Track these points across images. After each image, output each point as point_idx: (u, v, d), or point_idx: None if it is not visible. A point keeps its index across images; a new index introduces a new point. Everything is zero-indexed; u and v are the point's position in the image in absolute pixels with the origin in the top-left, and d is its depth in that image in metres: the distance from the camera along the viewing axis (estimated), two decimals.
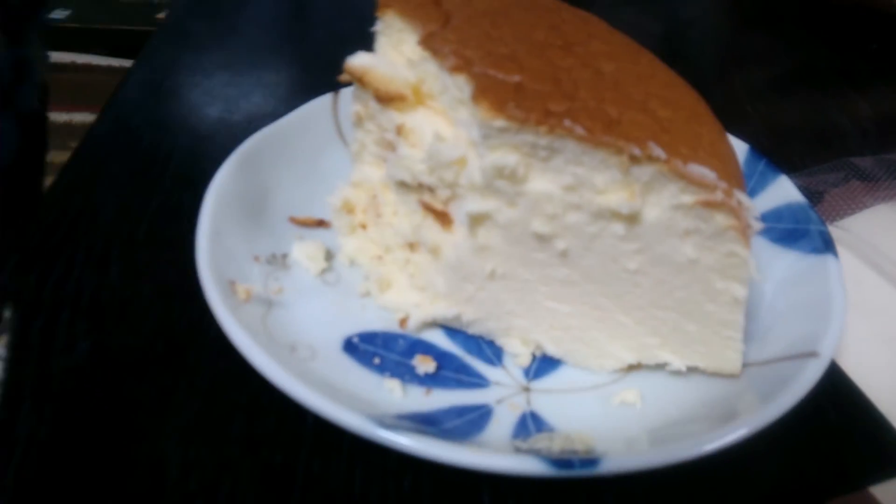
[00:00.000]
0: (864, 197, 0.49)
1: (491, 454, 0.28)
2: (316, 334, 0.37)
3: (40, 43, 0.73)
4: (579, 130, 0.30)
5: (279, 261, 0.40)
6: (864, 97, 0.65)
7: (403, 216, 0.40)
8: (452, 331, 0.39)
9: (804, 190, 0.44)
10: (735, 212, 0.31)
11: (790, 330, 0.36)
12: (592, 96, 0.31)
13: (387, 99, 0.37)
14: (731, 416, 0.31)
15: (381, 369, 0.36)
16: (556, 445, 0.31)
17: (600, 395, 0.36)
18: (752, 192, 0.43)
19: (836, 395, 0.37)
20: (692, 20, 0.81)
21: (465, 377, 0.37)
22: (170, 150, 0.53)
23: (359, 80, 0.38)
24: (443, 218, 0.37)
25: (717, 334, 0.35)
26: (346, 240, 0.43)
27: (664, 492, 0.33)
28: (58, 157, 0.83)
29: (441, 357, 0.38)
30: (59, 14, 1.82)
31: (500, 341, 0.39)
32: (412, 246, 0.40)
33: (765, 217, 0.41)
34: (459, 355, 0.38)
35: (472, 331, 0.39)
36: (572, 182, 0.32)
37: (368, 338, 0.38)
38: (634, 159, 0.30)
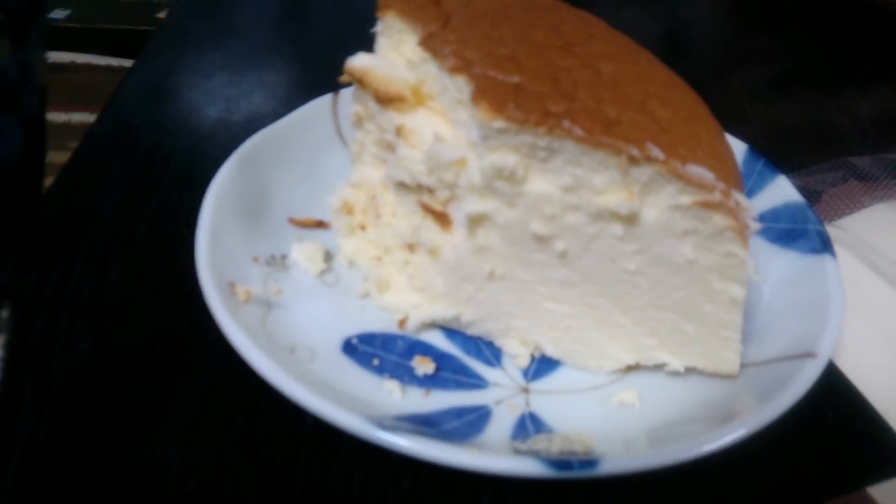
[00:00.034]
0: (862, 197, 0.49)
1: (490, 455, 0.28)
2: (315, 335, 0.37)
3: (40, 45, 0.73)
4: (578, 131, 0.30)
5: (278, 262, 0.40)
6: (863, 96, 0.65)
7: (403, 217, 0.40)
8: (451, 332, 0.39)
9: (802, 190, 0.44)
10: (733, 212, 0.31)
11: (788, 330, 0.36)
12: (591, 97, 0.32)
13: (386, 100, 0.37)
14: (729, 417, 0.31)
15: (380, 370, 0.36)
16: (554, 446, 0.32)
17: (599, 396, 0.36)
18: (750, 192, 0.43)
19: (834, 395, 0.38)
20: (691, 20, 0.81)
21: (464, 378, 0.37)
22: (170, 150, 0.53)
23: (359, 81, 0.38)
24: (442, 219, 0.37)
25: (715, 335, 0.35)
26: (346, 241, 0.43)
27: (663, 492, 0.33)
28: (57, 157, 0.83)
29: (440, 358, 0.38)
30: (58, 14, 1.82)
31: (499, 342, 0.39)
32: (411, 247, 0.40)
33: (763, 217, 0.42)
34: (458, 356, 0.38)
35: (471, 332, 0.39)
36: (571, 183, 0.32)
37: (367, 339, 0.38)
38: (633, 160, 0.30)
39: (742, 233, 0.31)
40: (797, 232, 0.40)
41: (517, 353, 0.38)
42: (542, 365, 0.38)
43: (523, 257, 0.35)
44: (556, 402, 0.36)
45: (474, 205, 0.34)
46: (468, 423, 0.33)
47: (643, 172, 0.31)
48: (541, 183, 0.33)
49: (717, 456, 0.28)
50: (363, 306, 0.40)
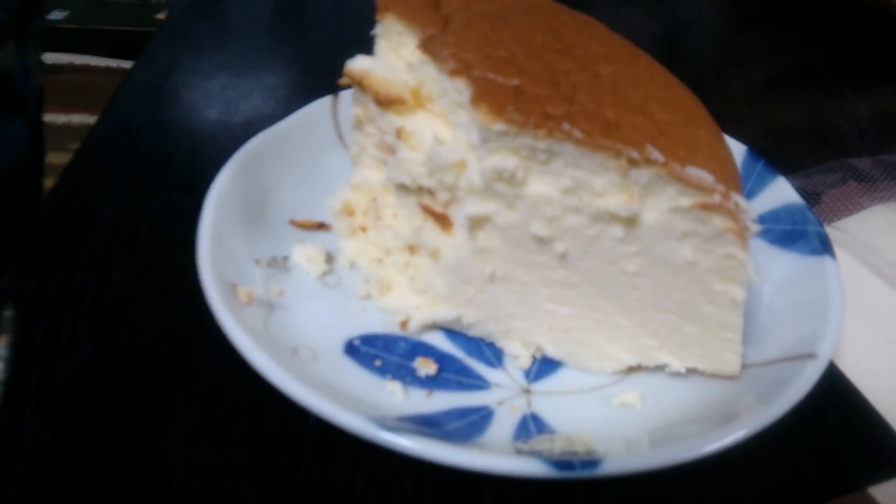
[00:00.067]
0: (861, 198, 0.49)
1: (492, 456, 0.29)
2: (317, 337, 0.37)
3: (36, 47, 0.73)
4: (578, 134, 0.30)
5: (280, 263, 0.41)
6: (862, 97, 0.65)
7: (403, 219, 0.40)
8: (453, 333, 0.40)
9: (802, 191, 0.44)
10: (733, 214, 0.31)
11: (788, 331, 0.36)
12: (591, 99, 0.32)
13: (386, 102, 0.37)
14: (730, 418, 0.31)
15: (383, 371, 0.36)
16: (556, 447, 0.32)
17: (600, 397, 0.37)
18: (750, 194, 0.43)
19: (834, 395, 0.38)
20: (690, 21, 0.81)
21: (465, 379, 0.37)
22: (170, 152, 0.53)
23: (358, 84, 0.38)
24: (442, 220, 0.37)
25: (715, 336, 0.35)
26: (347, 242, 0.43)
27: (664, 493, 0.33)
28: (56, 158, 0.83)
29: (442, 359, 0.38)
30: (57, 15, 1.82)
31: (501, 343, 0.39)
32: (412, 248, 0.40)
33: (763, 218, 0.42)
34: (460, 357, 0.38)
35: (472, 333, 0.39)
36: (571, 185, 0.32)
37: (369, 340, 0.38)
38: (633, 162, 0.31)
39: (742, 234, 0.31)
40: (797, 233, 0.40)
41: (518, 355, 0.38)
42: (544, 366, 0.38)
43: (524, 259, 0.36)
44: (557, 402, 0.36)
45: (475, 207, 0.34)
46: (470, 424, 0.34)
47: (643, 175, 0.31)
48: (541, 185, 0.33)
49: (719, 456, 0.29)
50: (365, 308, 0.40)
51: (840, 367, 0.39)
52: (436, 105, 0.36)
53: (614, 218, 0.33)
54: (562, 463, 0.28)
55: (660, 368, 0.37)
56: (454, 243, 0.37)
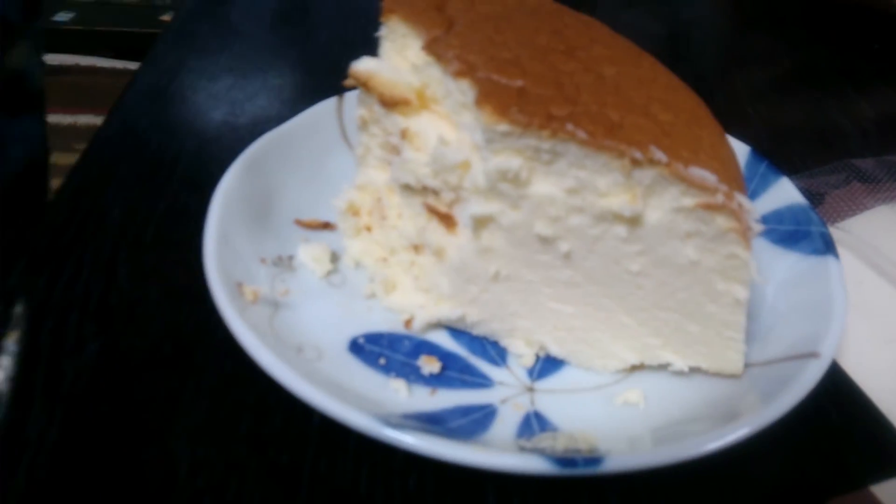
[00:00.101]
0: (864, 198, 0.49)
1: (495, 453, 0.29)
2: (322, 335, 0.37)
3: (38, 47, 0.74)
4: (581, 134, 0.31)
5: (285, 263, 0.41)
6: (865, 98, 0.66)
7: (408, 219, 0.40)
8: (457, 332, 0.40)
9: (805, 192, 0.45)
10: (736, 214, 0.31)
11: (791, 330, 0.36)
12: (594, 100, 0.32)
13: (391, 103, 0.37)
14: (732, 416, 0.31)
15: (387, 370, 0.37)
16: (559, 444, 0.32)
17: (603, 395, 0.37)
18: (753, 194, 0.43)
19: (837, 395, 0.38)
20: (693, 22, 0.81)
21: (469, 377, 0.37)
22: (176, 153, 0.53)
23: (363, 85, 0.38)
24: (447, 220, 0.37)
25: (718, 335, 0.35)
26: (352, 242, 0.43)
27: (667, 491, 0.34)
28: (62, 159, 0.83)
29: (446, 358, 0.38)
30: (62, 16, 1.83)
31: (504, 342, 0.39)
32: (417, 248, 0.40)
33: (766, 219, 0.42)
34: (464, 356, 0.38)
35: (476, 332, 0.39)
36: (575, 185, 0.32)
37: (374, 339, 0.38)
38: (636, 163, 0.31)
39: (745, 234, 0.32)
40: (800, 233, 0.40)
41: (522, 353, 0.38)
42: (547, 364, 0.39)
43: (528, 258, 0.36)
44: (560, 401, 0.36)
45: (479, 207, 0.35)
46: (474, 422, 0.34)
47: (646, 175, 0.31)
48: (545, 185, 0.33)
49: (721, 455, 0.29)
50: (369, 307, 0.40)
51: (843, 367, 0.39)
52: (440, 106, 0.37)
53: (618, 218, 0.33)
54: (565, 460, 0.28)
55: (663, 367, 0.37)
56: (458, 243, 0.37)
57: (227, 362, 0.37)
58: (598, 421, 0.34)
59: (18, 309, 0.40)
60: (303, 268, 0.41)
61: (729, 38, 0.80)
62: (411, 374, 0.37)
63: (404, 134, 0.37)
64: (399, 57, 0.38)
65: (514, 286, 0.37)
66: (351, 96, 0.47)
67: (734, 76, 0.69)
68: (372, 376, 0.36)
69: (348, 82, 0.39)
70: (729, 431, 0.29)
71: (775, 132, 0.60)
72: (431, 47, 0.35)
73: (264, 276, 0.39)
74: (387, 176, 0.41)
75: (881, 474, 0.32)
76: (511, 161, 0.32)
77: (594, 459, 0.28)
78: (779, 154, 0.51)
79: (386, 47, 0.39)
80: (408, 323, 0.39)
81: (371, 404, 0.32)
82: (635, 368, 0.38)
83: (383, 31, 0.38)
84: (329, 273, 0.42)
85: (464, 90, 0.34)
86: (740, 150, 0.44)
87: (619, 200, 0.32)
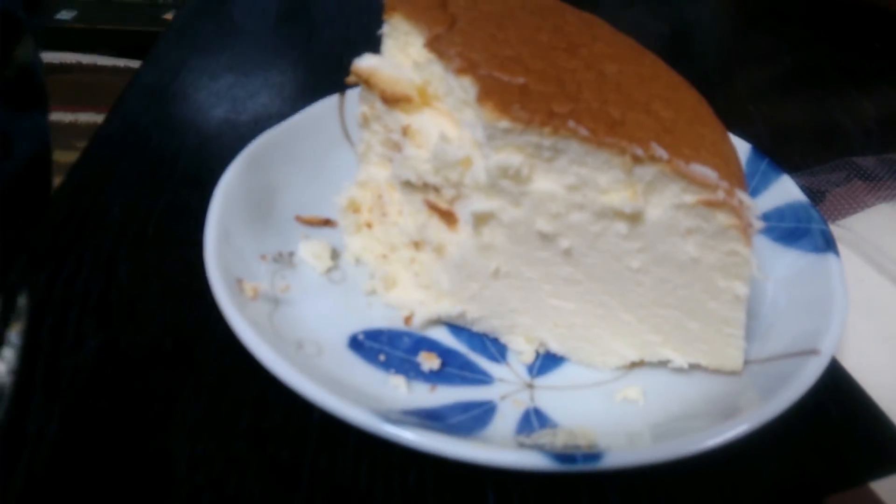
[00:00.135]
0: (865, 196, 0.49)
1: (495, 449, 0.29)
2: (322, 331, 0.37)
3: (36, 45, 0.74)
4: (583, 131, 0.31)
5: (286, 259, 0.41)
6: (866, 97, 0.66)
7: (409, 215, 0.40)
8: (457, 328, 0.40)
9: (806, 189, 0.45)
10: (736, 211, 0.31)
11: (791, 328, 0.36)
12: (596, 98, 0.32)
13: (393, 100, 0.37)
14: (732, 413, 0.31)
15: (387, 366, 0.37)
16: (559, 441, 0.32)
17: (603, 392, 0.37)
18: (754, 192, 0.43)
19: (836, 392, 0.38)
20: (695, 21, 0.81)
21: (469, 374, 0.37)
22: (177, 150, 0.53)
23: (365, 82, 0.38)
24: (448, 217, 0.37)
25: (718, 332, 0.35)
26: (352, 239, 0.43)
27: (666, 487, 0.34)
28: (63, 156, 0.83)
29: (446, 354, 0.38)
30: (65, 15, 1.83)
31: (504, 339, 0.39)
32: (417, 245, 0.40)
33: (767, 216, 0.42)
34: (464, 352, 0.39)
35: (476, 328, 0.39)
36: (576, 182, 0.32)
37: (374, 335, 0.38)
38: (637, 159, 0.31)
39: (745, 231, 0.32)
40: (801, 231, 0.40)
41: (522, 350, 0.39)
42: (547, 361, 0.39)
43: (528, 255, 0.36)
44: (560, 397, 0.36)
45: (480, 203, 0.35)
46: (473, 418, 0.34)
47: (647, 172, 0.31)
48: (546, 182, 0.33)
49: (721, 451, 0.29)
50: (369, 303, 0.40)
51: (842, 364, 0.39)
52: (442, 103, 0.37)
53: (618, 215, 0.33)
54: (564, 456, 0.28)
55: (662, 364, 0.37)
56: (459, 240, 0.37)
57: (227, 358, 0.38)
58: (598, 417, 0.34)
59: (19, 305, 0.40)
60: (303, 264, 0.41)
61: (731, 37, 0.80)
62: (411, 370, 0.37)
63: (406, 131, 0.37)
64: (401, 54, 0.38)
65: (514, 283, 0.37)
66: (353, 93, 0.47)
67: (736, 74, 0.69)
68: (372, 372, 0.36)
69: (350, 79, 0.39)
70: (728, 428, 0.29)
71: (777, 130, 0.60)
72: (433, 44, 0.35)
73: (264, 273, 0.39)
74: (388, 173, 0.41)
75: (880, 471, 0.32)
76: (512, 158, 0.32)
77: (593, 456, 0.28)
78: (780, 152, 0.51)
79: (388, 44, 0.39)
80: (408, 319, 0.39)
81: (371, 400, 0.32)
82: (635, 365, 0.38)
83: (385, 29, 0.39)
84: (329, 270, 0.42)
85: (465, 87, 0.34)
86: (741, 147, 0.44)
87: (620, 197, 0.32)
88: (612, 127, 0.31)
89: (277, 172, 0.44)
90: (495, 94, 0.32)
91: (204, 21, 0.73)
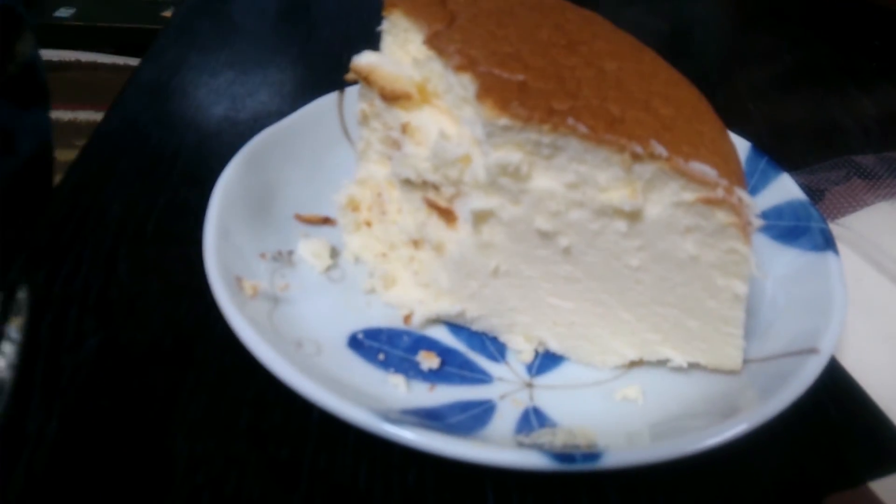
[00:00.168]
0: (865, 195, 0.49)
1: (494, 448, 0.29)
2: (321, 330, 0.37)
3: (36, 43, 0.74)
4: (582, 129, 0.31)
5: (285, 258, 0.41)
6: (866, 95, 0.66)
7: (408, 213, 0.40)
8: (456, 327, 0.40)
9: (805, 188, 0.45)
10: (736, 209, 0.31)
11: (791, 326, 0.36)
12: (595, 95, 0.32)
13: (392, 97, 0.37)
14: (731, 412, 0.31)
15: (386, 365, 0.37)
16: (558, 440, 0.32)
17: (602, 391, 0.37)
18: (753, 190, 0.43)
19: (835, 391, 0.38)
20: (695, 19, 0.81)
21: (468, 373, 0.37)
22: (177, 148, 0.53)
23: (364, 79, 0.38)
24: (447, 215, 0.37)
25: (717, 331, 0.35)
26: (351, 237, 0.43)
27: (665, 487, 0.34)
28: (63, 154, 0.83)
29: (445, 353, 0.38)
30: (63, 12, 1.83)
31: (504, 338, 0.39)
32: (416, 243, 0.40)
33: (766, 214, 0.42)
34: (463, 351, 0.38)
35: (475, 327, 0.39)
36: (575, 180, 0.32)
37: (373, 334, 0.38)
38: (636, 157, 0.31)
39: (745, 229, 0.32)
40: (800, 229, 0.40)
41: (521, 349, 0.38)
42: (546, 360, 0.39)
43: (527, 253, 0.36)
44: (559, 396, 0.36)
45: (479, 201, 0.35)
46: (473, 417, 0.34)
47: (646, 169, 0.31)
48: (545, 180, 0.33)
49: (720, 450, 0.29)
50: (369, 302, 0.40)
51: (842, 363, 0.39)
52: (441, 100, 0.37)
53: (618, 213, 0.33)
54: (563, 456, 0.28)
55: (661, 363, 0.37)
56: (458, 238, 0.37)
57: (226, 357, 0.38)
58: (597, 417, 0.34)
59: (19, 302, 0.40)
60: (302, 263, 0.41)
61: (730, 35, 0.80)
62: (410, 369, 0.37)
63: (405, 128, 0.37)
64: (400, 51, 0.38)
65: (513, 281, 0.37)
66: (352, 91, 0.47)
67: (735, 73, 0.69)
68: (371, 372, 0.36)
69: (349, 76, 0.39)
70: (728, 427, 0.29)
71: (776, 129, 0.60)
72: (433, 42, 0.35)
73: (264, 271, 0.39)
74: (387, 171, 0.41)
75: (880, 470, 0.32)
76: (511, 155, 0.32)
77: (593, 455, 0.28)
78: (779, 150, 0.51)
79: (387, 42, 0.39)
80: (407, 318, 0.39)
81: (370, 399, 0.32)
82: (634, 364, 0.38)
83: (385, 26, 0.38)
84: (329, 268, 0.42)
85: (465, 84, 0.33)
86: (741, 145, 0.44)
87: (620, 195, 0.32)
88: (611, 124, 0.31)
89: (277, 170, 0.44)
90: (495, 92, 0.32)
91: (203, 18, 0.73)
